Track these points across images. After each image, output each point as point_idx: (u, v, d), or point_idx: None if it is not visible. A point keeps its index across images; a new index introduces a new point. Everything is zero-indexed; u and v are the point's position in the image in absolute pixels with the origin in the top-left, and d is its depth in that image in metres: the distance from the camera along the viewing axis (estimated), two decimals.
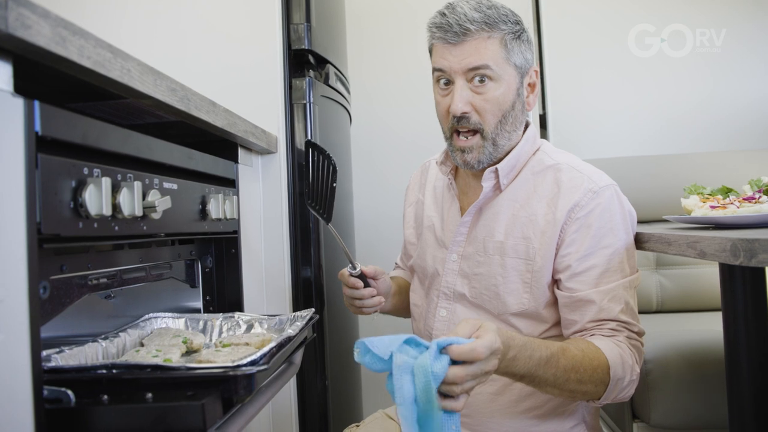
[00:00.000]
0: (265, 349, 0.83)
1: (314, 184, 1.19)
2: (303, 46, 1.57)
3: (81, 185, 0.72)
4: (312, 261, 1.58)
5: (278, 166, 1.52)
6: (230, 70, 1.56)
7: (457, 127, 1.15)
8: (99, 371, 0.74)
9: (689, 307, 2.13)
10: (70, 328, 1.21)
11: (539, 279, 1.14)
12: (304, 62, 1.62)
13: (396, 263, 1.54)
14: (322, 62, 1.70)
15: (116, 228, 0.81)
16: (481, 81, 1.12)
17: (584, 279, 1.12)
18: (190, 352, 1.07)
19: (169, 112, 0.95)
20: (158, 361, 0.92)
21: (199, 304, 1.27)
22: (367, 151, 2.56)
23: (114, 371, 0.74)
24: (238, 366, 0.75)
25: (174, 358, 0.96)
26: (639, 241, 1.28)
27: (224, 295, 1.30)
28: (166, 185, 0.97)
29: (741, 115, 2.50)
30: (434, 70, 1.17)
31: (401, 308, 1.42)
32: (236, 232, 1.30)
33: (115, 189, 0.80)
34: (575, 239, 1.12)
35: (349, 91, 2.08)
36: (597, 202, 1.13)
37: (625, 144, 2.54)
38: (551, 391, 1.03)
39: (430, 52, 1.20)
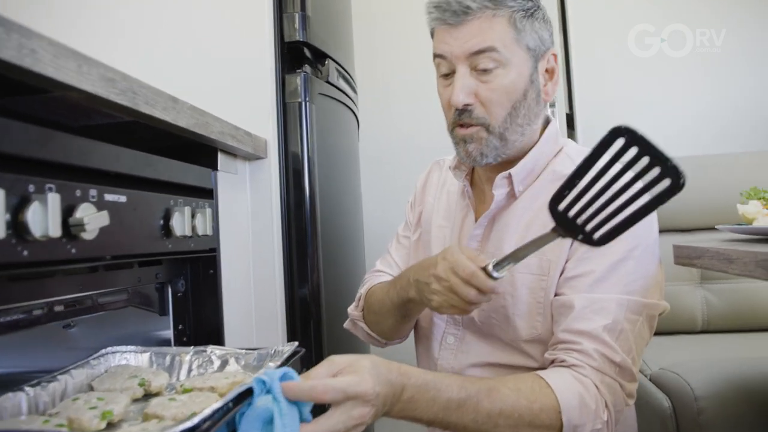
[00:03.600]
0: (215, 405, 0.64)
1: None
2: (297, 38, 1.39)
3: None
4: (310, 280, 1.39)
5: (268, 173, 1.34)
6: (213, 65, 1.38)
7: (459, 121, 0.98)
8: None
9: (740, 327, 1.89)
10: (20, 363, 1.04)
11: (551, 297, 0.96)
12: (301, 57, 1.44)
13: (379, 270, 1.25)
14: (321, 57, 1.53)
15: (24, 253, 0.63)
16: (487, 67, 0.94)
17: (575, 284, 0.92)
18: (148, 396, 0.89)
19: (110, 108, 0.77)
20: (93, 417, 0.74)
21: (171, 334, 1.10)
22: (376, 156, 2.38)
23: None
24: None
25: (117, 409, 0.78)
26: (688, 258, 1.07)
27: (201, 323, 1.13)
28: (110, 198, 0.79)
29: None
30: (434, 56, 1.00)
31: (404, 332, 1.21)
32: (214, 249, 1.12)
33: (24, 203, 0.62)
34: (585, 256, 0.94)
35: (355, 91, 1.90)
36: None
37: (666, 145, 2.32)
38: None
39: (432, 36, 1.03)
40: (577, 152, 1.05)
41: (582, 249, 0.93)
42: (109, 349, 0.99)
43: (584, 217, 0.77)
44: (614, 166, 0.74)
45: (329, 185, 1.54)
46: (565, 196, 0.78)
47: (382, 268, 1.25)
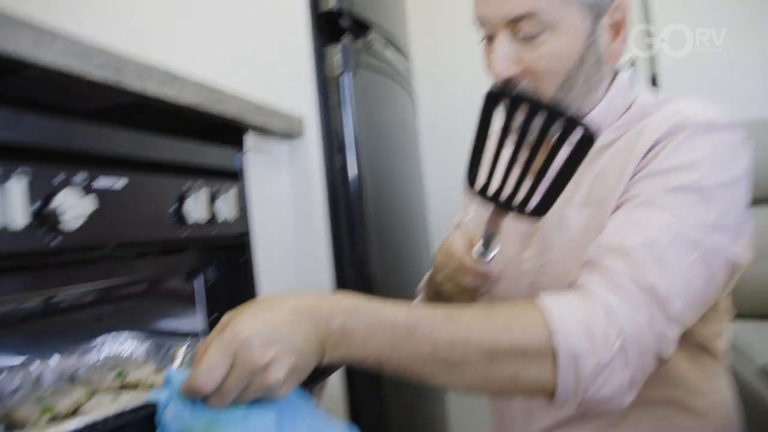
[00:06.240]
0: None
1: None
2: (332, 7, 1.30)
3: None
4: (359, 262, 1.30)
5: (306, 152, 1.26)
6: (244, 41, 1.31)
7: None
8: None
9: None
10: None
11: None
12: (339, 27, 1.34)
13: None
14: (362, 27, 1.42)
15: None
16: (530, 33, 0.78)
17: (617, 210, 0.76)
18: (126, 387, 0.88)
19: (89, 84, 0.71)
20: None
21: (199, 326, 1.04)
22: (438, 133, 2.18)
23: None
24: None
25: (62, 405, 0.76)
26: None
27: None
28: (104, 183, 0.73)
29: None
30: (475, 19, 0.85)
31: None
32: (244, 236, 1.05)
33: None
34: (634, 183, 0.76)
35: (409, 61, 1.78)
36: (694, 137, 0.74)
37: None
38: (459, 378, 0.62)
39: None
40: (652, 106, 0.88)
41: (639, 174, 0.76)
42: (110, 335, 0.98)
43: (507, 191, 0.68)
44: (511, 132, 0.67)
45: (380, 164, 1.44)
46: (475, 174, 0.69)
47: None
